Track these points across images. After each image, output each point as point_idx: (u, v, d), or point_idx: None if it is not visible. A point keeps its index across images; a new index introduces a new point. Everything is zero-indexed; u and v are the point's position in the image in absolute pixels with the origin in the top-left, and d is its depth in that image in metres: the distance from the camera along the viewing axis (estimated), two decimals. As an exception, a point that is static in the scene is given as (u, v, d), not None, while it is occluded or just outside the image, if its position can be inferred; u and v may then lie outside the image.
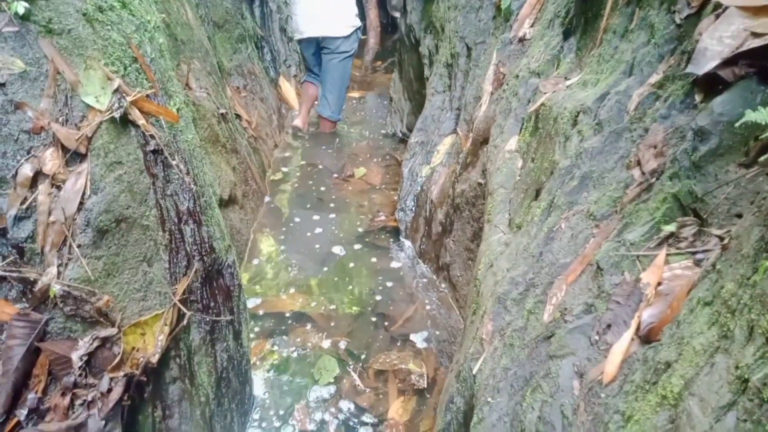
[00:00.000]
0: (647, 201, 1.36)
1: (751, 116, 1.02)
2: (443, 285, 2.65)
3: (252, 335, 2.28)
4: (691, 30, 1.46)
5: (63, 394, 1.27)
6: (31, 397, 1.24)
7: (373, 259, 2.89)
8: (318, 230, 3.12)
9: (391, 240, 3.07)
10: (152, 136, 1.64)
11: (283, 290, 2.60)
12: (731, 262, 1.04)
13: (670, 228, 1.27)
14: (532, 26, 2.58)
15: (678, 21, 1.56)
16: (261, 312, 2.44)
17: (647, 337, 1.18)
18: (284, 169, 3.89)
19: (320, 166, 3.95)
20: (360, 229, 3.15)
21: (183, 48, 2.83)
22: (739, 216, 1.18)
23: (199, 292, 1.73)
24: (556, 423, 1.22)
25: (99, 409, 1.26)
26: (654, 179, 1.39)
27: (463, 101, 2.95)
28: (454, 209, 2.61)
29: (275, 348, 2.25)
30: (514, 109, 2.14)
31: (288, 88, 5.03)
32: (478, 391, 1.49)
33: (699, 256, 1.22)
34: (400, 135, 4.37)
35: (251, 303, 2.46)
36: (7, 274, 1.26)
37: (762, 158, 1.14)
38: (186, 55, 2.87)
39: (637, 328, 1.20)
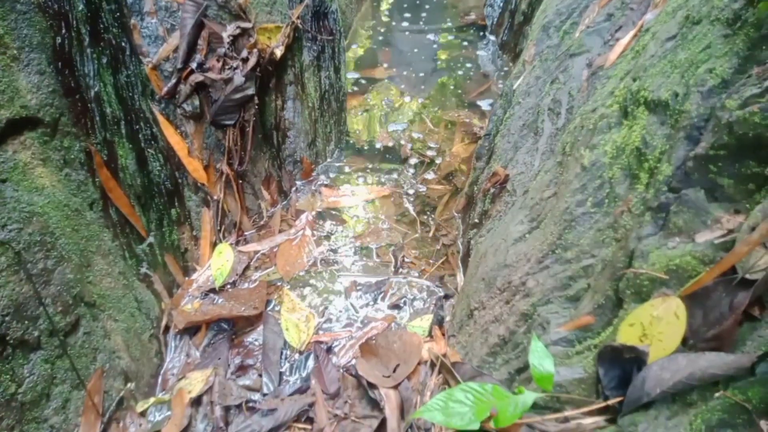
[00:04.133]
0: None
1: None
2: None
3: (350, 91, 2.80)
4: None
5: (217, 60, 1.85)
6: (198, 56, 1.83)
7: (460, 49, 3.22)
8: (413, 25, 3.46)
9: (479, 35, 3.36)
10: None
11: (377, 64, 3.06)
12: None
13: (692, -54, 1.50)
14: None
15: None
16: (358, 77, 2.93)
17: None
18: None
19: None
20: (451, 24, 3.45)
21: None
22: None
23: (309, 24, 2.21)
24: (563, 100, 1.61)
25: (240, 70, 1.84)
26: None
27: None
28: (536, -3, 2.82)
29: (368, 100, 2.76)
30: None
31: None
32: (514, 99, 1.89)
33: (709, -32, 1.46)
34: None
35: (351, 75, 2.94)
36: (181, -31, 1.79)
37: None
38: None
39: (641, 26, 1.50)
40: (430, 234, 2.06)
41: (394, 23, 3.47)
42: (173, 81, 1.79)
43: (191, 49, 1.81)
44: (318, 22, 2.26)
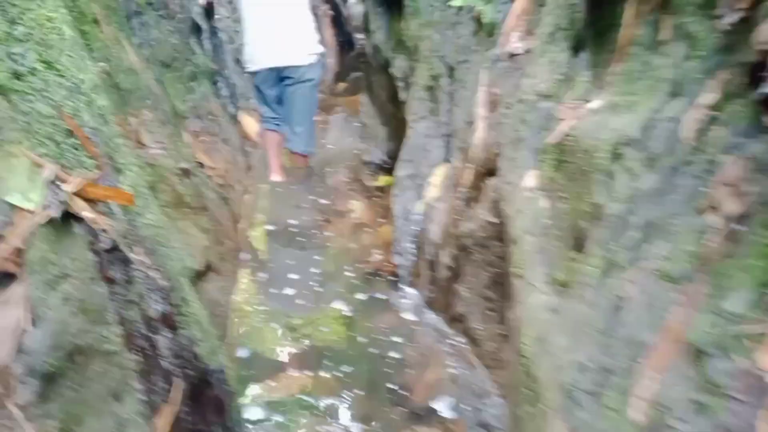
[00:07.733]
0: (738, 256, 1.09)
1: None
2: (460, 339, 2.35)
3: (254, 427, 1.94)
4: (739, 37, 1.21)
5: None
6: None
7: (378, 312, 2.58)
8: (307, 290, 2.78)
9: (392, 288, 2.76)
10: (104, 231, 1.29)
11: (280, 370, 2.26)
12: None
13: (783, 292, 1.01)
14: (522, 40, 2.33)
15: (722, 28, 1.31)
16: (258, 405, 2.08)
17: (787, 445, 0.91)
18: (259, 216, 3.54)
19: (300, 207, 3.62)
20: (355, 280, 2.83)
21: (129, 98, 2.46)
22: None
23: (183, 414, 1.38)
24: None
25: None
26: (740, 226, 1.13)
27: (452, 127, 2.68)
28: (461, 251, 2.32)
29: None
30: (526, 138, 1.87)
31: (249, 123, 4.69)
32: None
33: (829, 326, 0.96)
34: (380, 162, 4.08)
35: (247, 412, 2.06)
36: None
37: None
38: (134, 105, 2.50)
39: (770, 434, 0.92)
40: None
41: (293, 291, 2.76)
42: None
43: None
44: (198, 400, 1.44)
